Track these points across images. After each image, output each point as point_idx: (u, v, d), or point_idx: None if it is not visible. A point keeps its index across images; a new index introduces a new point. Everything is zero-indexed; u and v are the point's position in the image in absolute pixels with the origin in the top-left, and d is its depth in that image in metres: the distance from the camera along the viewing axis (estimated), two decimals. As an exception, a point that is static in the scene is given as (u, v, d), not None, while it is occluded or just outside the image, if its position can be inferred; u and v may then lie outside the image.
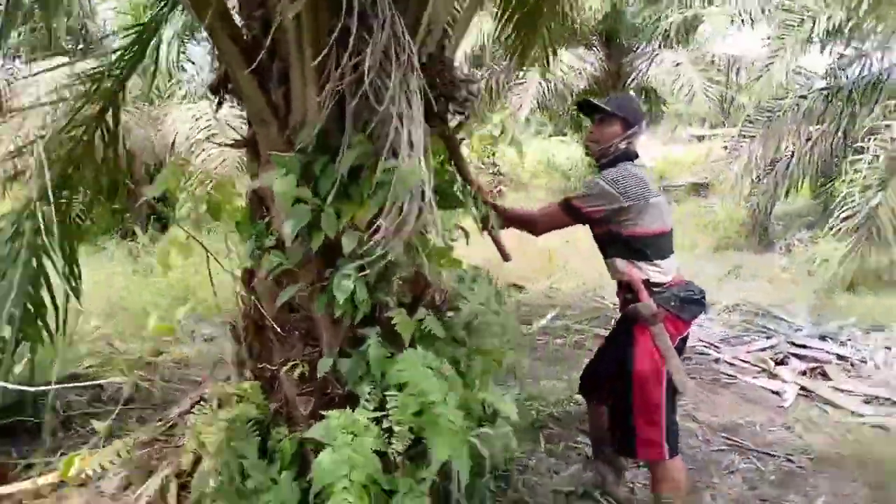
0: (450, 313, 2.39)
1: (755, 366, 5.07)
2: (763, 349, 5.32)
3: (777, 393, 4.66)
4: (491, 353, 2.40)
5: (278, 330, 2.29)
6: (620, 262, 2.70)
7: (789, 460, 3.80)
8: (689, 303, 2.66)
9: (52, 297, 3.08)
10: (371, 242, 1.92)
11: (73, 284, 2.99)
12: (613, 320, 3.01)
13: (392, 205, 1.87)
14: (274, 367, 2.35)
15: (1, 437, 3.50)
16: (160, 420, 2.68)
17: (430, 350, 2.19)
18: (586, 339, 5.81)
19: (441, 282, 2.35)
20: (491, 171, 13.24)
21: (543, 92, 12.02)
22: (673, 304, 2.61)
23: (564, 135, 19.29)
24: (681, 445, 3.83)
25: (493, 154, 13.18)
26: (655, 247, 2.64)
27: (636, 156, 2.74)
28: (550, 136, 21.45)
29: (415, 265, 2.23)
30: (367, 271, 2.04)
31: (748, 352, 5.30)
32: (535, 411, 3.92)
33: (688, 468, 3.66)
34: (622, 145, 2.69)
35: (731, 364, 5.15)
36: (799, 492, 3.48)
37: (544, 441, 3.66)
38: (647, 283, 2.62)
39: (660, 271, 2.64)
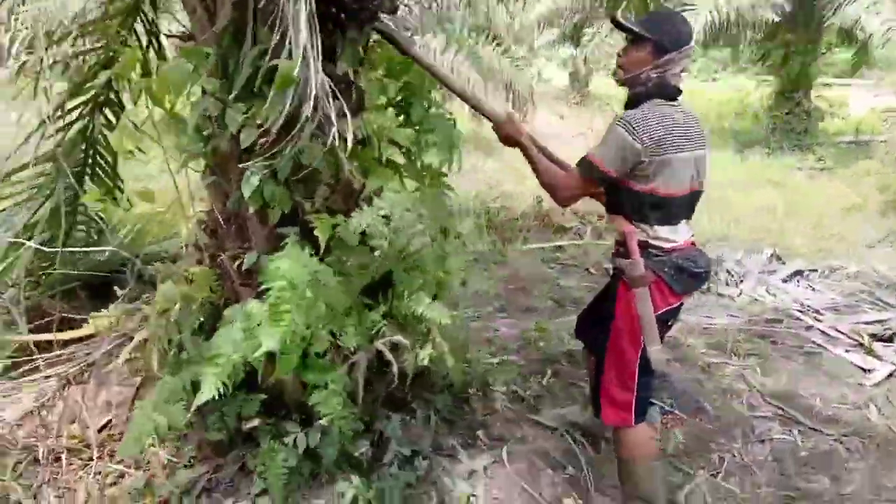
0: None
1: (851, 338, 4.47)
2: (869, 322, 4.66)
3: (866, 371, 4.10)
4: (422, 271, 2.38)
5: (221, 223, 2.44)
6: (618, 219, 2.37)
7: (839, 441, 3.38)
8: (686, 275, 2.33)
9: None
10: (261, 139, 1.97)
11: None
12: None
13: (274, 103, 1.91)
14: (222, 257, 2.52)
15: (94, 298, 4.08)
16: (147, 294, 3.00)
17: (339, 255, 2.24)
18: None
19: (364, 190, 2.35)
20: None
21: (716, 22, 10.82)
22: (666, 270, 2.31)
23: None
24: (716, 402, 3.60)
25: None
26: (666, 210, 2.28)
27: (676, 91, 2.28)
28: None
29: (340, 171, 2.25)
30: (273, 168, 2.11)
31: (853, 323, 4.67)
32: (546, 344, 3.82)
33: (709, 427, 3.42)
34: (653, 75, 2.24)
35: (825, 333, 4.58)
36: (829, 473, 3.12)
37: (550, 375, 3.57)
38: (644, 243, 2.31)
39: (664, 237, 2.32)
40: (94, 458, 2.81)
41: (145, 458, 2.71)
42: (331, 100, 2.02)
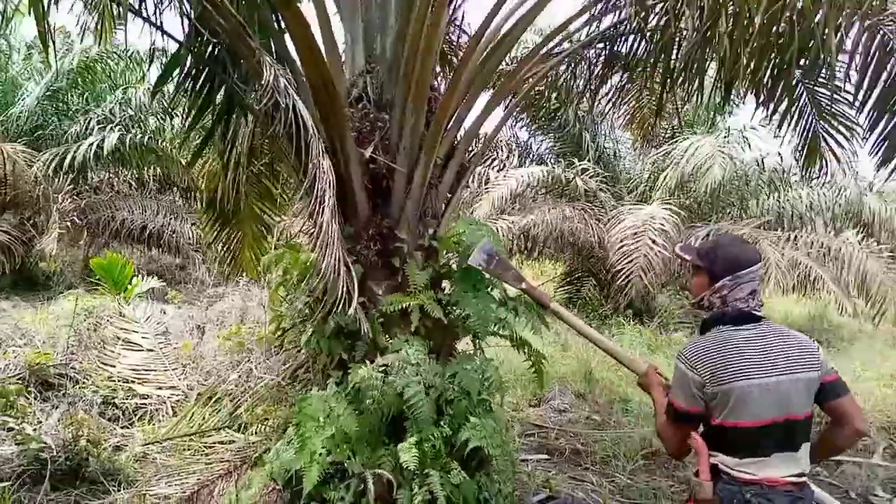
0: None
1: None
2: None
3: None
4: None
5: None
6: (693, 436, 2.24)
7: None
8: None
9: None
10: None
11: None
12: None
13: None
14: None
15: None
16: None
17: (356, 395, 3.01)
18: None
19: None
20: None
21: None
22: (735, 502, 2.10)
23: None
24: None
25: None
26: (738, 441, 2.12)
27: (744, 317, 2.19)
28: None
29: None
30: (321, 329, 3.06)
31: None
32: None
33: None
34: (714, 300, 2.25)
35: None
36: None
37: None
38: (715, 468, 2.16)
39: (741, 469, 2.11)
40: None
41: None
42: (355, 285, 2.92)
